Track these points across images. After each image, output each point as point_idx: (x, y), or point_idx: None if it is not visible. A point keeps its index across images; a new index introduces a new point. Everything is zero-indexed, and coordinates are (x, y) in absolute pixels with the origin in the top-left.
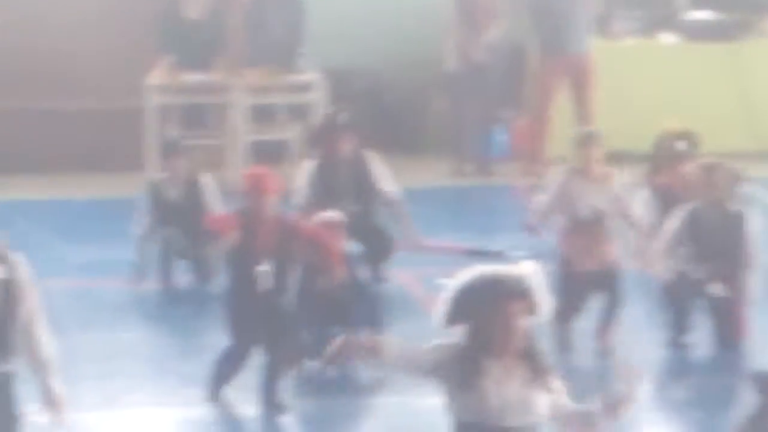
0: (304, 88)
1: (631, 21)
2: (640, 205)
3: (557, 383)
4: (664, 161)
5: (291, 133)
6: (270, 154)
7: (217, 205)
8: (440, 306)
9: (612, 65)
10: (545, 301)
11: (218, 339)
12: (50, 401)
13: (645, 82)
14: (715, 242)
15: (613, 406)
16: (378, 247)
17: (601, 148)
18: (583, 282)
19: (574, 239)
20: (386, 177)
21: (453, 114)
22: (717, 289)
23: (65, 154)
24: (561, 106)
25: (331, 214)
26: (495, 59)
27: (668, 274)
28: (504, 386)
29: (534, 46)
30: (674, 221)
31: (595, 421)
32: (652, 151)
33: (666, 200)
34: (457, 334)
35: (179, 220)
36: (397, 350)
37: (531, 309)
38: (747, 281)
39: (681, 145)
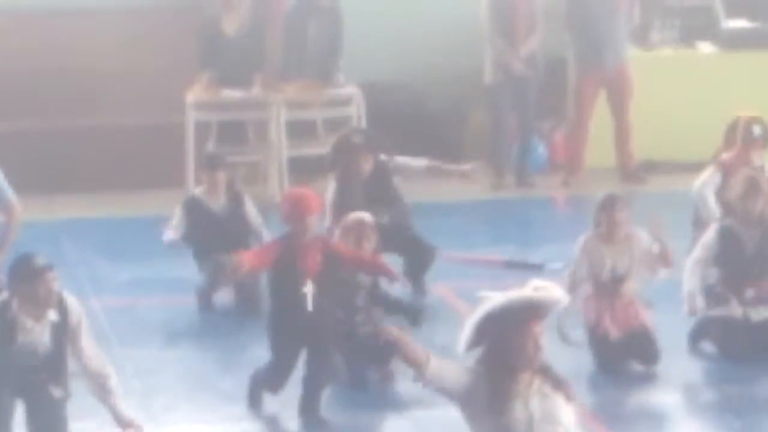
0: (343, 102)
1: (669, 31)
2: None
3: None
4: (739, 145)
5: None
6: (309, 168)
7: (257, 220)
8: (468, 330)
9: (650, 75)
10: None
11: (259, 355)
12: (124, 424)
13: (683, 92)
14: (753, 260)
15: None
16: (419, 256)
17: (626, 211)
18: (613, 349)
19: (597, 305)
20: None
21: (492, 126)
22: (760, 313)
23: (106, 172)
24: (600, 116)
25: (361, 215)
26: (533, 71)
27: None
28: (529, 403)
29: (572, 58)
30: (708, 239)
31: None
32: (726, 135)
33: (727, 176)
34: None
35: (221, 234)
36: (437, 368)
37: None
38: None
39: (757, 130)
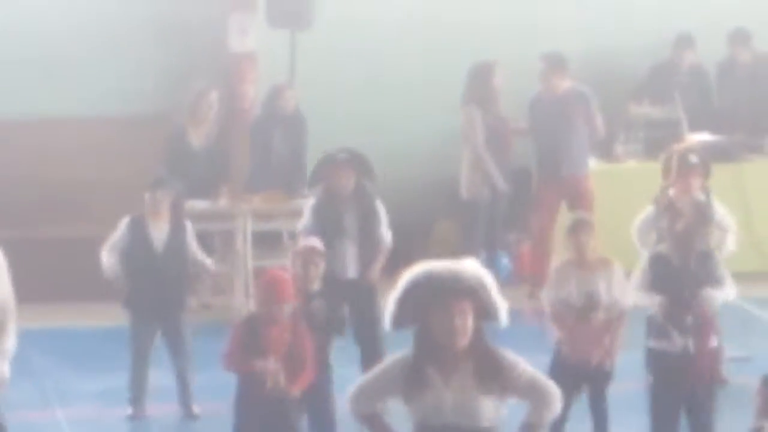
0: None
1: (633, 144)
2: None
3: (514, 365)
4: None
5: None
6: None
7: (197, 251)
8: (391, 305)
9: (614, 188)
10: (498, 302)
11: None
12: None
13: (648, 205)
14: (685, 283)
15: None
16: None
17: (593, 235)
18: (574, 376)
19: (568, 329)
20: (384, 221)
21: (466, 239)
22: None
23: (72, 281)
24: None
25: (313, 241)
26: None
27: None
28: (444, 392)
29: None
30: (642, 265)
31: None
32: (663, 169)
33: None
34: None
35: (156, 268)
36: (372, 405)
37: (483, 310)
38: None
39: (693, 158)
